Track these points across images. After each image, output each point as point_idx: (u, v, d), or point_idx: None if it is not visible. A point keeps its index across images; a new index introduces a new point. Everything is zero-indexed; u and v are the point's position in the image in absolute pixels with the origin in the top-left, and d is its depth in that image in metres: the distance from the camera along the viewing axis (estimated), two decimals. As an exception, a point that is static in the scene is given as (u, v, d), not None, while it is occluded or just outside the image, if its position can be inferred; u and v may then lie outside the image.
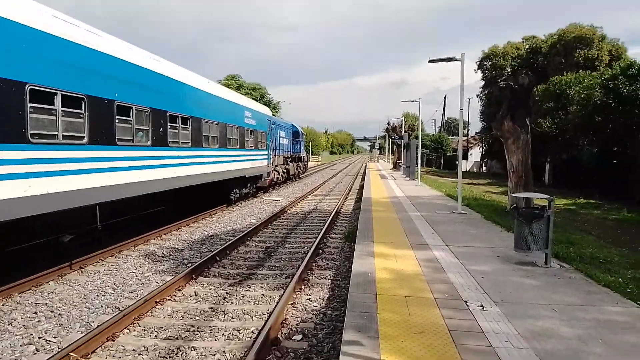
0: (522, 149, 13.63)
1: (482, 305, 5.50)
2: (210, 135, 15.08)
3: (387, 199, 17.66)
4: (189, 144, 13.28)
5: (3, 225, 6.76)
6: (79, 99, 8.31)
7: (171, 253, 10.47)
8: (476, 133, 65.58)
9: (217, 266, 9.25)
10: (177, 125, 12.50)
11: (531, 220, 7.41)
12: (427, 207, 15.02)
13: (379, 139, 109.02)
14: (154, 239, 11.95)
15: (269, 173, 23.35)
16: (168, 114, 11.90)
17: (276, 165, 25.50)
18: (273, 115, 34.36)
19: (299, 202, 20.15)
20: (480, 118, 57.45)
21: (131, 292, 7.58)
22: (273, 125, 25.35)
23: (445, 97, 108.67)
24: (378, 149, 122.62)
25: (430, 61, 15.12)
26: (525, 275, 6.94)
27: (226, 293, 7.49)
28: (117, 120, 9.51)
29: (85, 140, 8.47)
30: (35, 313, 6.55)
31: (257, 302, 7.08)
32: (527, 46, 49.37)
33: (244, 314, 6.54)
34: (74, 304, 7.01)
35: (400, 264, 7.38)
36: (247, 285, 7.92)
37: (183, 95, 13.10)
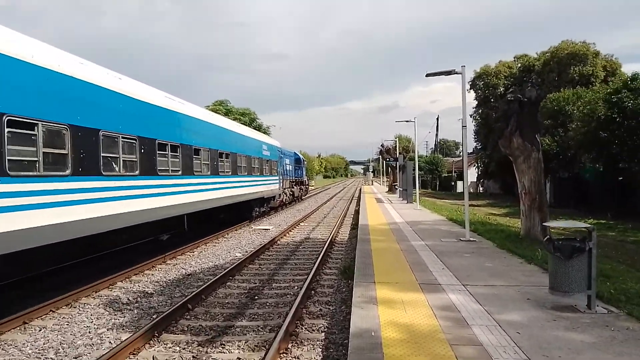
0: (534, 168, 12.32)
1: (530, 382, 4.03)
2: (241, 166, 19.42)
3: (385, 225, 16.21)
4: (229, 173, 17.73)
5: None
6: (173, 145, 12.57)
7: (138, 299, 8.91)
8: (470, 153, 64.72)
9: (188, 317, 7.69)
10: (224, 159, 17.13)
11: (570, 255, 6.00)
12: (430, 234, 13.57)
13: (372, 161, 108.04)
14: (122, 281, 10.37)
15: (279, 195, 27.41)
16: (218, 151, 16.46)
17: (284, 188, 29.74)
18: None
19: (290, 231, 18.64)
20: (475, 138, 56.57)
21: (74, 359, 6.01)
22: (281, 155, 29.41)
23: (437, 118, 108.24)
24: (372, 172, 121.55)
25: (427, 75, 13.90)
26: (570, 326, 5.48)
27: (193, 357, 5.94)
28: (194, 159, 13.97)
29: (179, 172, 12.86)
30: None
31: (230, 371, 5.54)
32: (519, 64, 48.93)
33: (212, 391, 5.01)
34: (-3, 378, 5.45)
35: (411, 316, 5.89)
36: (221, 344, 6.37)
37: (228, 138, 18.11)
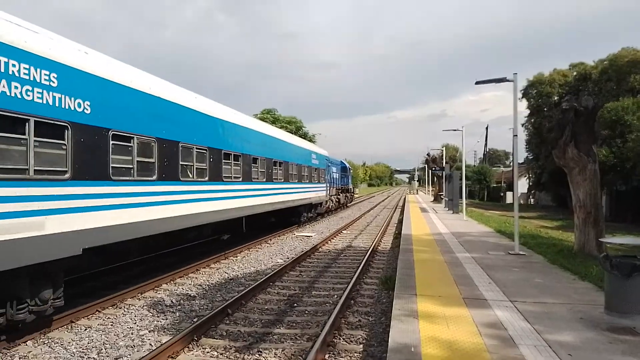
0: (590, 181, 11.65)
1: (583, 411, 3.73)
2: (292, 173, 20.82)
3: (429, 235, 15.80)
4: (282, 180, 19.09)
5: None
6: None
7: (181, 302, 9.07)
8: (520, 164, 62.38)
9: (227, 321, 7.73)
10: (278, 167, 18.57)
11: (629, 273, 5.57)
12: (477, 247, 13.08)
13: (417, 170, 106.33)
14: (167, 283, 10.62)
15: (326, 201, 28.94)
16: (273, 160, 17.93)
17: (331, 195, 31.06)
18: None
19: (332, 239, 18.54)
20: (527, 148, 54.46)
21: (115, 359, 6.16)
22: (329, 163, 30.91)
23: (487, 128, 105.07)
24: (417, 181, 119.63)
25: (477, 83, 13.50)
26: (628, 351, 5.06)
27: (230, 363, 5.95)
28: (252, 167, 15.50)
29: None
30: (-12, 390, 5.21)
31: (266, 379, 5.49)
32: (574, 73, 46.73)
33: (246, 399, 4.96)
34: (44, 374, 5.65)
35: (454, 332, 5.63)
36: (258, 351, 6.35)
37: (282, 147, 19.70)
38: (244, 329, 7.32)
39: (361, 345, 6.53)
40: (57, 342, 6.76)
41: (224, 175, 12.94)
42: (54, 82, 6.75)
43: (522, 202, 58.96)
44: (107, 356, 6.26)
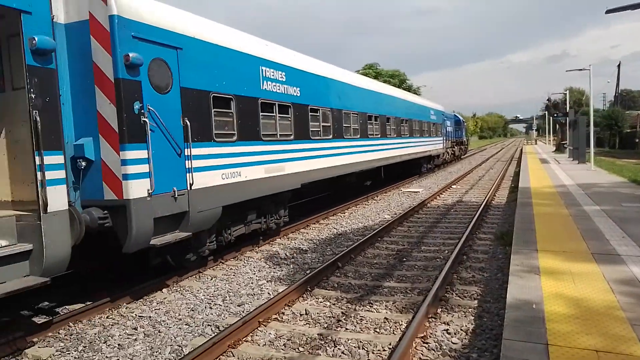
0: None
1: None
2: (416, 129, 23.49)
3: (551, 188, 14.56)
4: (408, 135, 21.92)
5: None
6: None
7: (294, 255, 9.51)
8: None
9: (338, 274, 7.94)
10: (405, 124, 21.50)
11: None
12: (608, 199, 11.77)
13: (536, 119, 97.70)
14: (280, 237, 11.19)
15: (443, 154, 31.20)
16: (401, 118, 20.94)
17: (447, 148, 33.04)
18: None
19: (441, 194, 17.99)
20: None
21: (238, 306, 6.66)
22: (445, 118, 32.57)
23: (619, 65, 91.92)
24: (536, 130, 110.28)
25: (608, 11, 11.77)
26: None
27: (342, 313, 6.11)
28: (386, 125, 18.59)
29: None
30: (135, 329, 5.96)
31: (377, 330, 5.55)
32: None
33: (359, 347, 5.07)
34: (179, 318, 6.31)
35: (582, 289, 5.15)
36: (369, 303, 6.44)
37: (410, 108, 23.15)
38: (355, 282, 7.47)
39: (476, 301, 6.29)
40: (188, 290, 7.50)
41: (368, 133, 16.16)
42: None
43: (664, 148, 51.61)
44: (231, 303, 6.81)
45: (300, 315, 6.15)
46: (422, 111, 25.87)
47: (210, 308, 6.65)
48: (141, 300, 7.07)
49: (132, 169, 6.17)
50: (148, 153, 6.39)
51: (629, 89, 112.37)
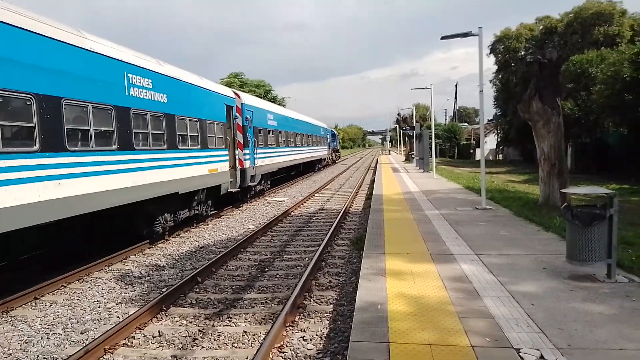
0: (554, 133, 11.82)
1: (542, 357, 3.82)
2: (311, 140, 35.13)
3: (400, 195, 15.94)
4: (309, 145, 34.16)
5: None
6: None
7: (150, 272, 8.92)
8: (489, 120, 63.16)
9: (197, 290, 7.66)
10: (306, 138, 33.55)
11: (589, 222, 5.69)
12: (446, 204, 13.27)
13: (389, 131, 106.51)
14: (135, 254, 10.43)
15: (326, 158, 44.78)
16: (304, 134, 32.70)
17: (329, 154, 47.76)
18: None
19: (305, 202, 18.52)
20: (495, 104, 55.05)
21: (81, 334, 6.01)
22: (327, 132, 47.38)
23: (456, 85, 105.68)
24: (389, 142, 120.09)
25: (442, 38, 13.34)
26: (588, 297, 5.23)
27: (199, 331, 5.88)
28: (296, 140, 29.74)
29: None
30: (-55, 373, 5.02)
31: (235, 345, 5.46)
32: (540, 27, 46.83)
33: (215, 365, 4.93)
34: (8, 353, 5.47)
35: (420, 287, 5.70)
36: (228, 317, 6.31)
37: (307, 126, 34.34)
38: (214, 296, 7.27)
39: (331, 306, 6.57)
40: (21, 320, 6.57)
41: (289, 142, 26.52)
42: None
43: (490, 158, 60.22)
44: (73, 331, 6.12)
45: (153, 337, 5.76)
46: (316, 129, 39.11)
47: (48, 339, 5.90)
48: (-44, 338, 5.98)
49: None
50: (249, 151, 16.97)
51: (465, 106, 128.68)
